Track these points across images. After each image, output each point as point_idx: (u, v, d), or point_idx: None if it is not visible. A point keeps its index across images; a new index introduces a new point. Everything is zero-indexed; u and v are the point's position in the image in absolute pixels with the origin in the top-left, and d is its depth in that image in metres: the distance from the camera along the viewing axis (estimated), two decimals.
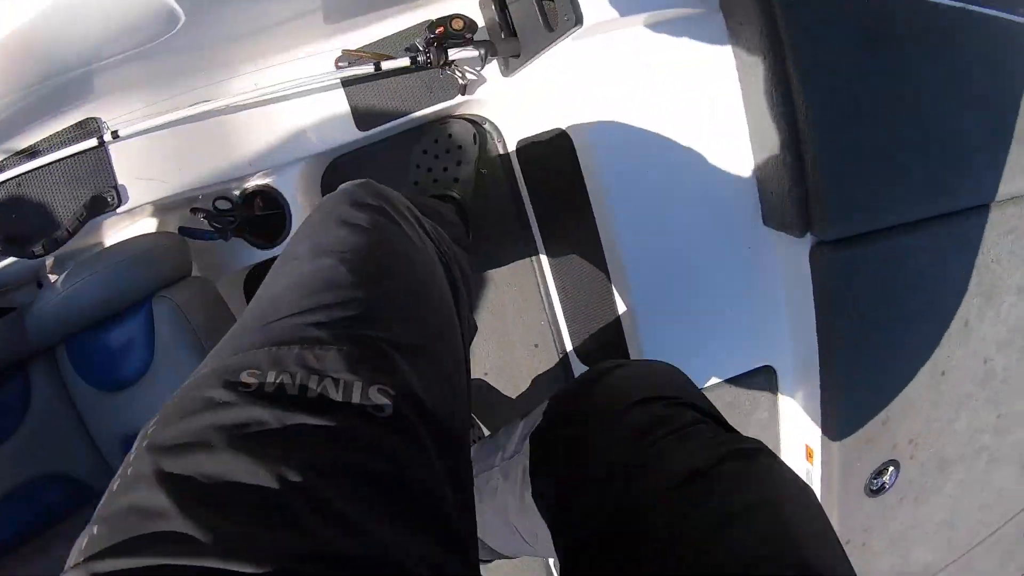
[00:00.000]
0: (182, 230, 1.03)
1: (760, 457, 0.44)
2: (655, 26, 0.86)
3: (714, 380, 1.02)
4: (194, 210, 1.03)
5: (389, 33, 0.97)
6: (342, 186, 0.54)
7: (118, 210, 0.96)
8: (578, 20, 0.81)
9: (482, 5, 0.97)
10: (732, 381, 1.02)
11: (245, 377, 0.34)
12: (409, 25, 0.98)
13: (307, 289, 0.41)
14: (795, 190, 0.84)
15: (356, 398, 0.34)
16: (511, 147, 1.06)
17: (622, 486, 0.44)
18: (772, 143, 0.84)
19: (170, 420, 0.33)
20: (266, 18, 0.86)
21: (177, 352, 0.96)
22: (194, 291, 1.00)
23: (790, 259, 0.90)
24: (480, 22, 0.98)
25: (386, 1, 0.92)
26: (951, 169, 0.85)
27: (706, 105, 0.90)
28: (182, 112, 0.91)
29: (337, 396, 0.34)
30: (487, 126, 1.07)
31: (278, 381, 0.34)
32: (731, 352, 1.01)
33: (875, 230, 0.85)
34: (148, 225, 1.08)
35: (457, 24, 0.90)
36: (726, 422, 0.51)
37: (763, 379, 1.03)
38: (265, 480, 0.30)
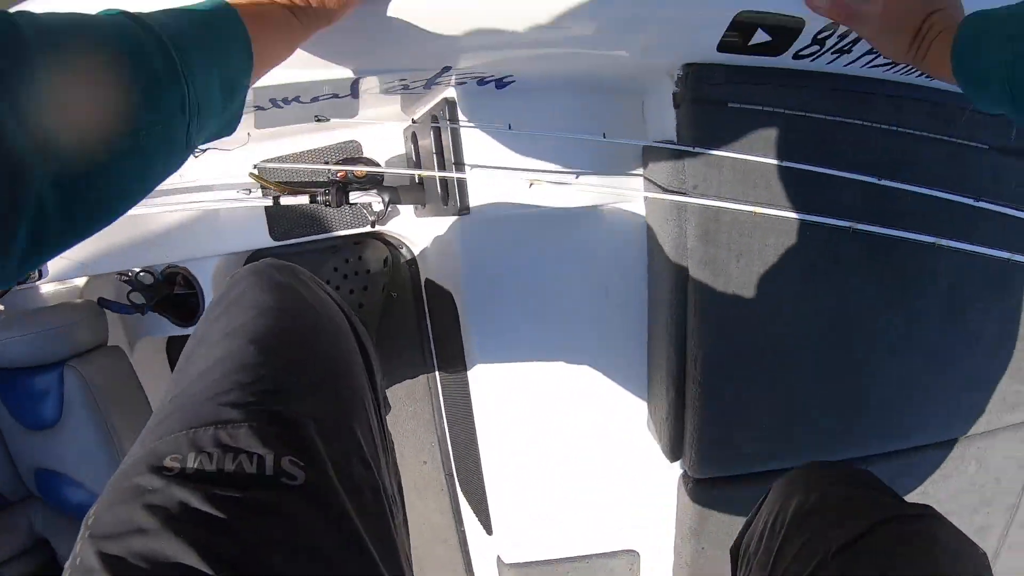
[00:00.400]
0: (101, 302, 1.08)
1: None
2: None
3: (575, 553, 1.01)
4: (120, 276, 1.08)
5: (310, 147, 0.97)
6: (252, 266, 0.58)
7: (39, 283, 1.02)
8: (463, 209, 0.79)
9: (405, 137, 0.95)
10: (595, 558, 1.01)
11: (168, 462, 0.37)
12: (334, 142, 0.97)
13: (220, 371, 0.45)
14: (674, 423, 0.81)
15: (269, 470, 0.38)
16: (423, 277, 1.06)
17: None
18: (662, 365, 0.81)
19: (107, 509, 0.37)
20: None
21: (81, 415, 1.04)
22: (104, 363, 1.06)
23: (662, 470, 0.88)
24: (400, 150, 0.97)
25: (308, 119, 0.92)
26: (837, 433, 0.80)
27: (608, 298, 0.87)
28: None
29: (252, 469, 0.38)
30: (403, 250, 1.06)
31: (197, 462, 0.37)
32: (597, 530, 1.00)
33: (745, 474, 0.82)
34: (76, 282, 1.14)
35: (360, 173, 0.89)
36: None
37: (626, 561, 1.01)
38: (190, 558, 0.34)
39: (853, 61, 0.70)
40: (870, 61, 0.70)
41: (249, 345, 0.46)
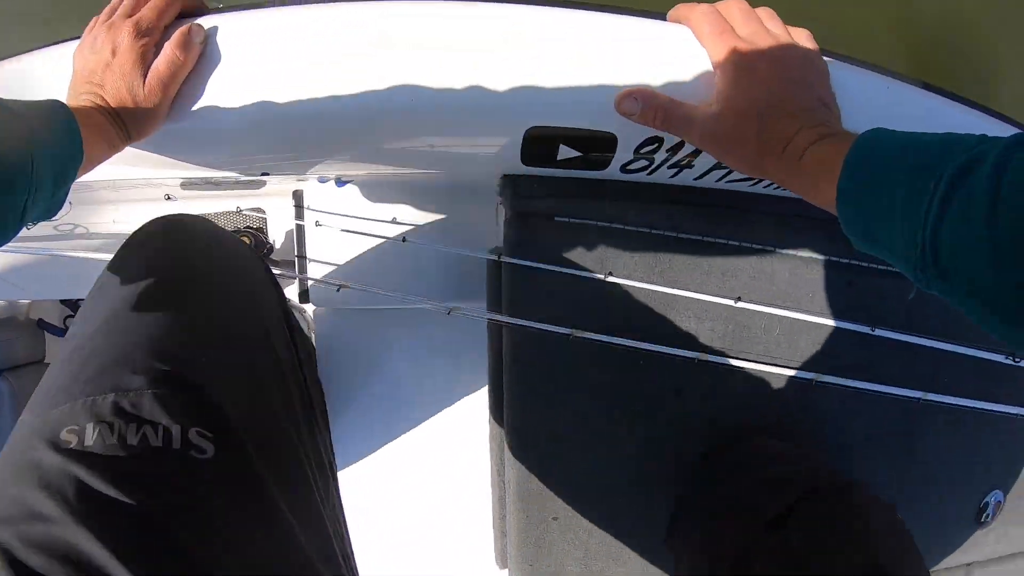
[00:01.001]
0: (40, 323, 1.16)
1: None
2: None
3: None
4: (64, 302, 1.15)
5: (220, 210, 0.98)
6: (142, 227, 0.51)
7: None
8: (301, 295, 0.77)
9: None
10: None
11: (65, 435, 0.34)
12: (220, 210, 0.98)
13: (118, 333, 0.41)
14: (499, 534, 0.75)
15: (176, 443, 0.35)
16: None
17: None
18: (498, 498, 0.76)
19: (3, 489, 0.34)
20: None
21: (7, 422, 1.13)
22: (36, 378, 1.14)
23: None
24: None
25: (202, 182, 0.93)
26: None
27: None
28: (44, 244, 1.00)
29: (157, 443, 0.34)
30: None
31: (96, 435, 0.34)
32: None
33: None
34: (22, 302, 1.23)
35: (246, 239, 0.88)
36: None
37: None
38: (93, 548, 0.31)
39: (703, 175, 0.61)
40: (724, 176, 0.61)
41: (147, 306, 0.41)
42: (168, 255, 0.47)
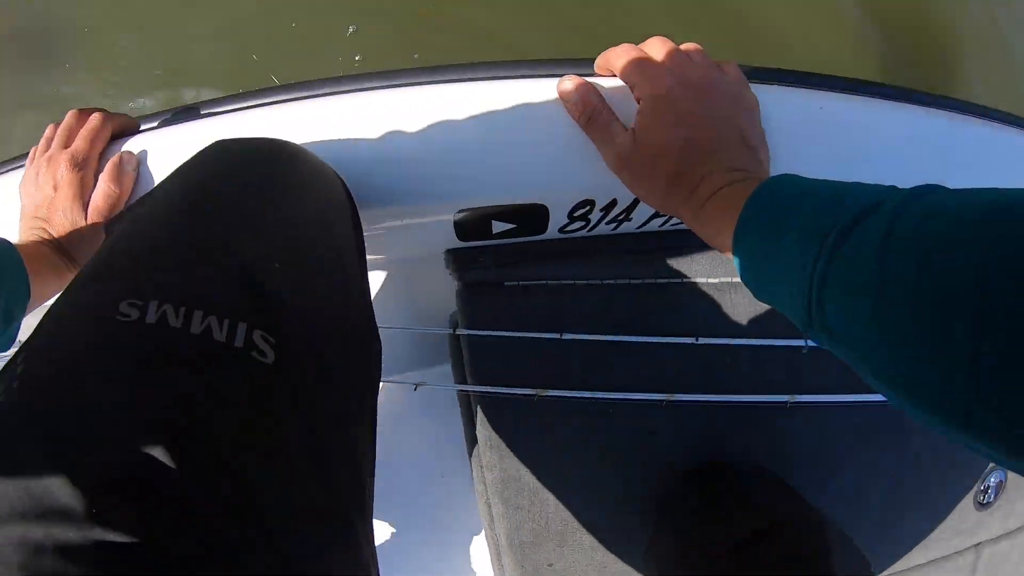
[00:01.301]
0: None
1: None
2: None
3: None
4: None
5: None
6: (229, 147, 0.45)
7: None
8: None
9: None
10: None
11: (125, 307, 0.30)
12: None
13: (190, 217, 0.37)
14: None
15: (239, 342, 0.32)
16: None
17: None
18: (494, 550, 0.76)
19: (48, 352, 0.31)
20: None
21: None
22: None
23: None
24: None
25: None
26: None
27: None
28: None
29: (220, 337, 0.31)
30: None
31: (159, 312, 0.30)
32: None
33: None
34: None
35: None
36: None
37: None
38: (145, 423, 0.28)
39: (644, 224, 0.60)
40: (666, 221, 0.60)
41: (232, 204, 0.38)
42: (256, 165, 0.42)
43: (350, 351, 0.41)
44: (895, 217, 0.28)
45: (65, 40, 1.27)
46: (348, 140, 0.50)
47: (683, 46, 0.49)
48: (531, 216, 0.55)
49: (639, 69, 0.47)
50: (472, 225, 0.55)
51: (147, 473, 0.27)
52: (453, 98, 0.50)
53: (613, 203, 0.55)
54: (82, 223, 0.51)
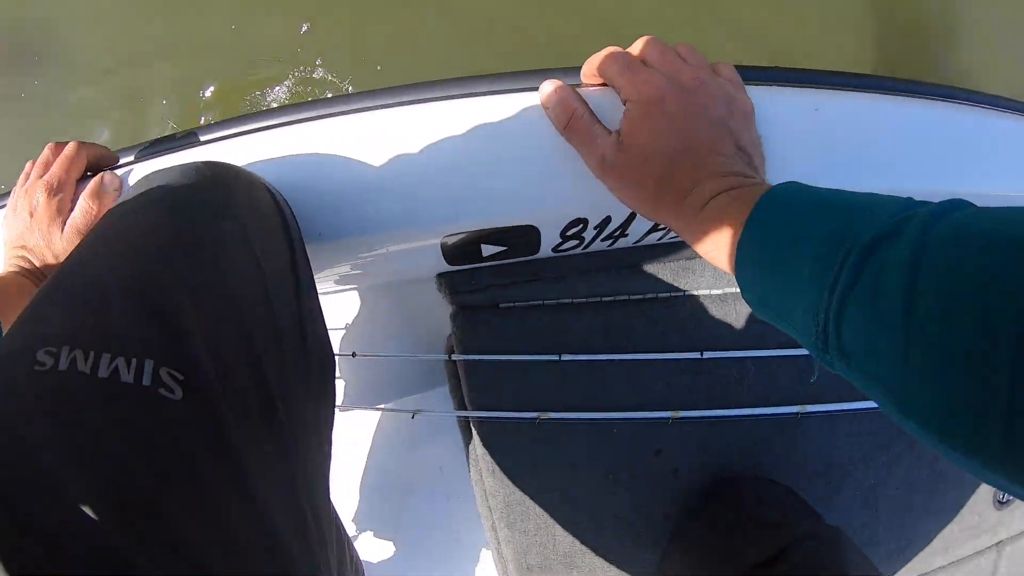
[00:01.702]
0: None
1: None
2: None
3: None
4: None
5: None
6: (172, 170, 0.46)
7: None
8: None
9: None
10: None
11: (41, 355, 0.32)
12: None
13: (120, 246, 0.38)
14: None
15: (147, 380, 0.32)
16: None
17: None
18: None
19: None
20: None
21: None
22: None
23: None
24: None
25: None
26: None
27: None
28: None
29: (128, 377, 0.32)
30: None
31: (70, 359, 0.31)
32: None
33: None
34: None
35: None
36: None
37: None
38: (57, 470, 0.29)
39: (641, 238, 0.58)
40: (664, 235, 0.58)
41: (150, 236, 0.38)
42: (177, 194, 0.42)
43: (284, 373, 0.40)
44: (920, 244, 0.26)
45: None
46: (319, 166, 0.48)
47: (675, 46, 0.46)
48: (522, 238, 0.53)
49: (626, 70, 0.44)
50: (461, 249, 0.53)
51: (61, 528, 0.27)
52: (429, 118, 0.48)
53: (607, 220, 0.53)
54: (59, 244, 0.51)
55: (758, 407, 0.64)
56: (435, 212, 0.49)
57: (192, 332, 0.35)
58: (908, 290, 0.26)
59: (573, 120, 0.45)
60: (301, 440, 0.41)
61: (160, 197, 0.41)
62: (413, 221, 0.50)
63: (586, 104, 0.46)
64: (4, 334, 0.36)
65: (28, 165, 0.55)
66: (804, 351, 0.64)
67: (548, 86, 0.47)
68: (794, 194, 0.35)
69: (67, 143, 0.54)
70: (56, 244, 0.51)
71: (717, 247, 0.38)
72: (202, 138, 0.53)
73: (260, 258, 0.42)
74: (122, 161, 0.55)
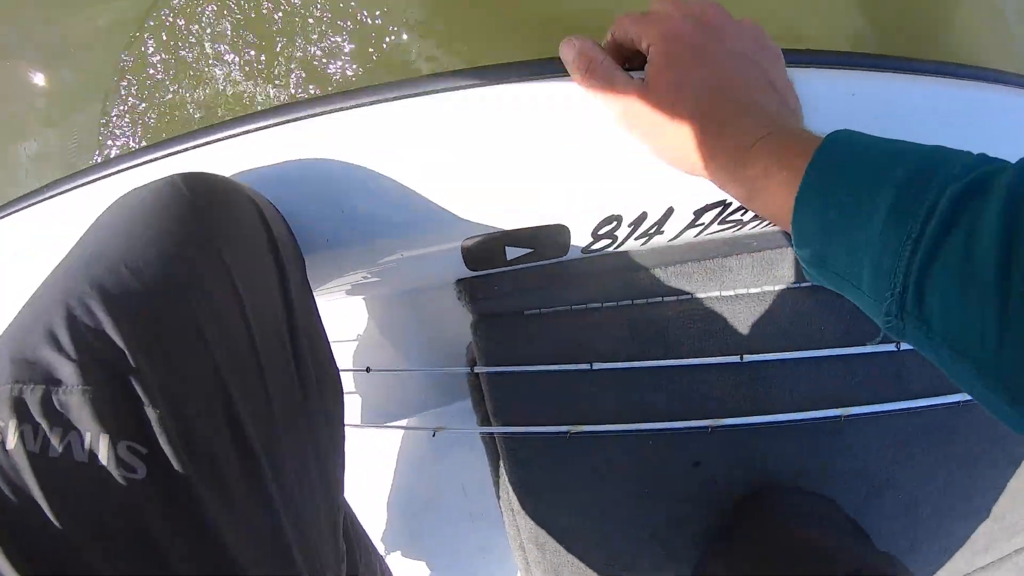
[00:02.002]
0: None
1: None
2: None
3: None
4: None
5: None
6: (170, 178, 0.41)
7: None
8: None
9: None
10: None
11: None
12: None
13: (61, 293, 0.33)
14: None
15: (104, 458, 0.29)
16: None
17: None
18: None
19: None
20: None
21: None
22: None
23: None
24: None
25: None
26: None
27: None
28: None
29: (83, 456, 0.29)
30: None
31: (17, 436, 0.29)
32: None
33: None
34: None
35: None
36: None
37: None
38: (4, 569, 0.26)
39: (677, 235, 0.54)
40: (701, 231, 0.54)
41: (120, 268, 0.34)
42: (162, 228, 0.37)
43: (268, 415, 0.36)
44: (1012, 201, 0.24)
45: None
46: (318, 168, 0.44)
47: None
48: (550, 239, 0.49)
49: (641, 18, 0.40)
50: (483, 253, 0.49)
51: None
52: (441, 111, 0.43)
53: (643, 217, 0.49)
54: None
55: (800, 412, 0.60)
56: (454, 213, 0.45)
57: (152, 390, 0.31)
58: (1004, 251, 0.23)
59: (592, 65, 0.40)
60: (292, 480, 0.38)
61: (127, 233, 0.36)
62: (430, 224, 0.45)
63: (605, 52, 0.41)
64: None
65: None
66: (848, 350, 0.61)
67: (566, 41, 0.42)
68: (859, 139, 0.31)
69: None
70: None
71: (769, 196, 0.33)
72: (185, 144, 0.48)
73: (241, 288, 0.37)
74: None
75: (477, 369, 0.56)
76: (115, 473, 0.29)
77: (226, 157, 0.45)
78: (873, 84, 0.50)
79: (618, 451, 0.59)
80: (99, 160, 1.17)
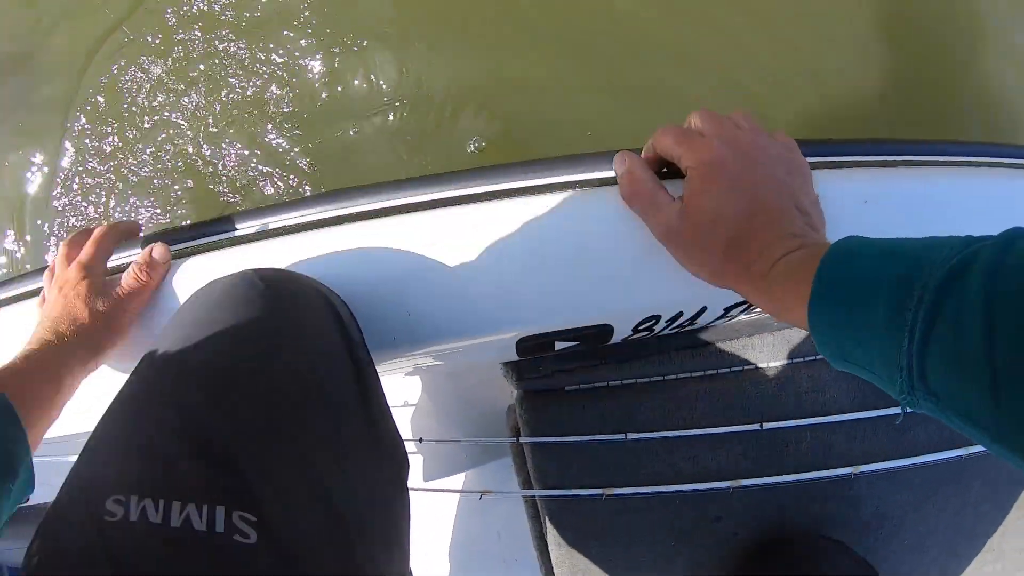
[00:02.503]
0: None
1: None
2: None
3: None
4: None
5: None
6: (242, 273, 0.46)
7: None
8: None
9: None
10: None
11: (110, 505, 0.32)
12: None
13: (168, 395, 0.38)
14: None
15: (220, 527, 0.33)
16: None
17: None
18: None
19: (54, 552, 0.33)
20: None
21: None
22: None
23: None
24: None
25: None
26: None
27: None
28: None
29: (201, 526, 0.32)
30: None
31: (140, 510, 0.32)
32: None
33: None
34: None
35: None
36: None
37: None
38: None
39: (709, 324, 0.58)
40: (728, 320, 0.59)
41: (201, 371, 0.39)
42: (229, 317, 0.42)
43: (354, 487, 0.40)
44: (991, 276, 0.27)
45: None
46: (390, 266, 0.48)
47: (731, 114, 0.46)
48: (595, 335, 0.54)
49: (683, 138, 0.44)
50: (535, 346, 0.54)
51: None
52: (506, 216, 0.48)
53: (679, 315, 0.53)
54: (84, 313, 0.50)
55: (814, 471, 0.66)
56: (511, 315, 0.49)
57: (256, 469, 0.35)
58: (987, 324, 0.26)
59: (638, 186, 0.45)
60: (378, 545, 0.41)
61: (211, 324, 0.41)
62: (491, 324, 0.50)
63: (651, 172, 0.46)
64: (67, 480, 0.35)
65: (52, 261, 0.55)
66: (857, 415, 0.66)
67: (618, 157, 0.47)
68: (857, 246, 0.35)
69: (95, 228, 0.55)
70: (79, 313, 0.50)
71: (788, 306, 0.38)
72: (253, 227, 0.52)
73: (321, 374, 0.42)
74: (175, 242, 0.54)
75: (522, 440, 0.61)
76: (230, 539, 0.32)
77: (292, 250, 0.50)
78: (888, 182, 0.54)
79: (648, 510, 0.64)
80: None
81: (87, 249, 0.53)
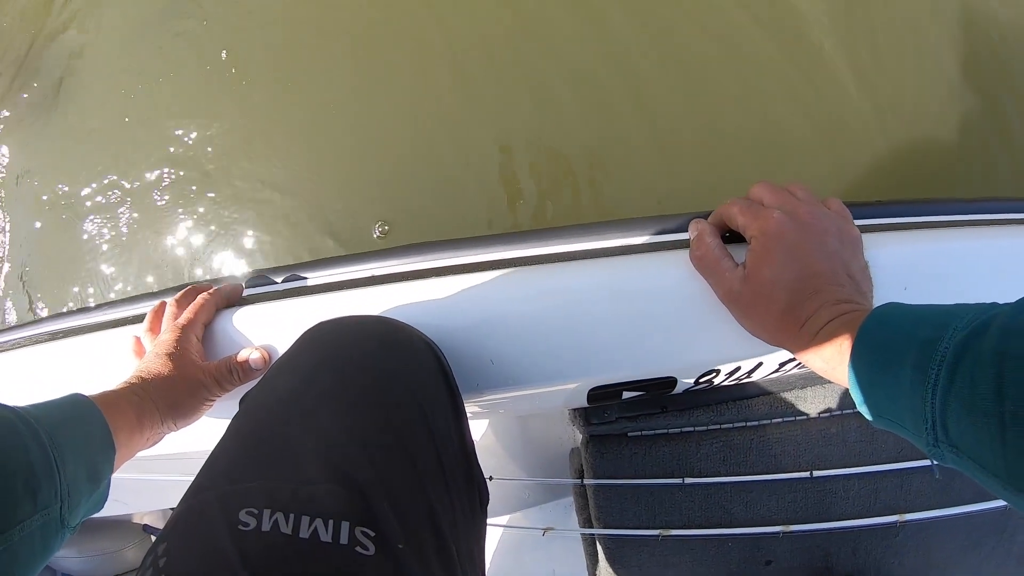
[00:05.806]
0: (146, 528, 1.24)
1: None
2: None
3: None
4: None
5: None
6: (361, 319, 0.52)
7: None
8: None
9: None
10: None
11: (243, 516, 0.36)
12: None
13: (297, 425, 0.43)
14: None
15: (344, 539, 0.37)
16: None
17: None
18: None
19: (185, 553, 0.36)
20: None
21: None
22: None
23: None
24: None
25: None
26: None
27: None
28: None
29: (327, 537, 0.36)
30: None
31: (272, 521, 0.36)
32: None
33: None
34: None
35: None
36: None
37: None
38: None
39: (765, 376, 0.63)
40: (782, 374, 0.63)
41: (326, 402, 0.44)
42: (356, 356, 0.48)
43: (455, 517, 0.44)
44: (1005, 334, 0.30)
45: None
46: (476, 317, 0.54)
47: (788, 185, 0.52)
48: (660, 386, 0.58)
49: (747, 209, 0.50)
50: (604, 395, 0.59)
51: None
52: (584, 274, 0.54)
53: (737, 368, 0.58)
54: (174, 372, 0.54)
55: (861, 518, 0.69)
56: (589, 366, 0.55)
57: (377, 491, 0.39)
58: (997, 379, 0.29)
59: (706, 252, 0.51)
60: (466, 564, 0.45)
61: (334, 360, 0.47)
62: (570, 374, 0.55)
63: (718, 239, 0.51)
64: (194, 490, 0.40)
65: (159, 304, 0.61)
66: (903, 464, 0.70)
67: (692, 224, 0.53)
68: (892, 311, 0.39)
69: (202, 287, 0.60)
70: (168, 372, 0.54)
71: (834, 366, 0.42)
72: (333, 273, 0.58)
73: (428, 412, 0.47)
74: (249, 293, 0.60)
75: (586, 481, 0.65)
76: (352, 550, 0.36)
77: (387, 298, 0.55)
78: (929, 245, 0.59)
79: (702, 552, 0.68)
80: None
81: (187, 314, 0.57)
